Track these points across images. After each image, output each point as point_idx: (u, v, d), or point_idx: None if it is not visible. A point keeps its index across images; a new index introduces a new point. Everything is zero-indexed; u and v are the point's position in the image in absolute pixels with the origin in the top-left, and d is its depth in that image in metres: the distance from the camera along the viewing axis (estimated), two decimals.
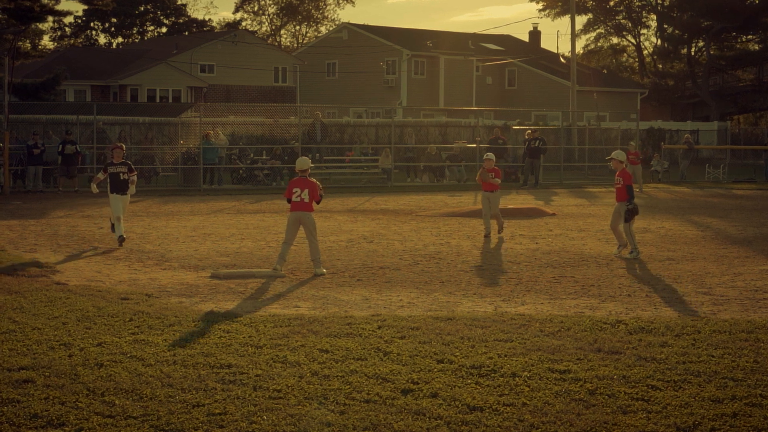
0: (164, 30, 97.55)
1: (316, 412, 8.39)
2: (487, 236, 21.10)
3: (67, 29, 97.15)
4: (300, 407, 8.51)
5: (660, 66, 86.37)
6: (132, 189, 20.16)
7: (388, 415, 8.32)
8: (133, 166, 20.41)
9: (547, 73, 70.45)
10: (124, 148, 20.60)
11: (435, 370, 9.67)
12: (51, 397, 8.64)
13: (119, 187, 19.81)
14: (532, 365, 9.83)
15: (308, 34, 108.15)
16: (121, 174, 19.82)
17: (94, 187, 20.71)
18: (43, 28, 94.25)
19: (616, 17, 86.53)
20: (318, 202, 16.53)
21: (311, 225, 16.31)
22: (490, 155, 21.91)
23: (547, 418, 8.27)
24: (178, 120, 42.84)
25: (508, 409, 8.51)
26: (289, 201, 16.35)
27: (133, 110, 45.79)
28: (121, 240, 19.43)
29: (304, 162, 16.64)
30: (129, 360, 9.95)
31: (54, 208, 28.19)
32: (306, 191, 16.21)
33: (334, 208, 28.24)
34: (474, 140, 45.08)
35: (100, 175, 20.20)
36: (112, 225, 19.86)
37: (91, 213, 26.96)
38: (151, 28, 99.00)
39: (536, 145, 40.44)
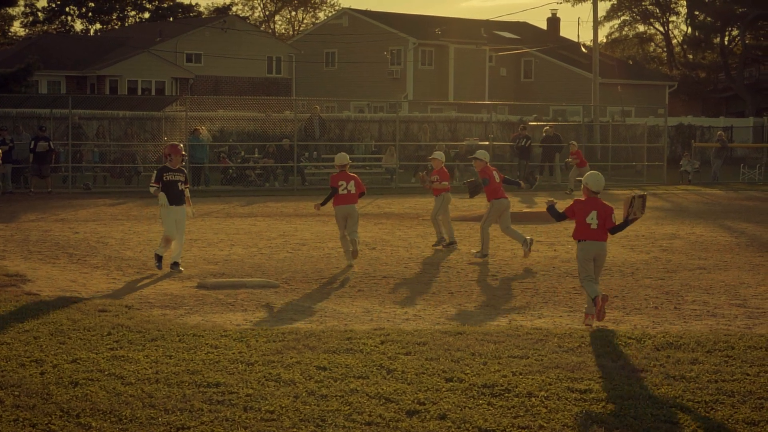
0: (147, 15, 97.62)
1: None
2: (451, 245, 20.92)
3: (39, 14, 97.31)
4: (295, 430, 8.51)
5: (690, 56, 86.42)
6: (188, 205, 17.82)
7: None
8: (187, 175, 18.10)
9: (566, 64, 70.49)
10: (183, 150, 18.00)
11: (443, 389, 9.67)
12: (21, 419, 8.64)
13: (176, 197, 17.45)
14: (550, 384, 9.83)
15: (305, 21, 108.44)
16: (179, 183, 17.49)
17: (162, 197, 17.48)
18: (14, 13, 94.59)
19: (643, 3, 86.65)
20: (363, 194, 18.80)
21: (356, 217, 18.63)
22: (439, 154, 21.56)
23: None
24: (161, 114, 42.87)
25: None
26: (333, 192, 18.46)
27: (112, 103, 45.79)
28: (159, 261, 17.41)
29: (343, 157, 18.91)
30: (107, 378, 9.95)
31: (25, 211, 28.21)
32: (351, 183, 18.49)
33: (333, 212, 28.19)
34: (487, 137, 45.09)
35: (156, 190, 17.52)
36: (158, 257, 17.48)
37: (66, 216, 26.98)
38: (132, 13, 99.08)
39: (524, 144, 40.31)
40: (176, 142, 18.75)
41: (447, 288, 15.98)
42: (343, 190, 18.42)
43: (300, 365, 10.47)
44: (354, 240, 18.35)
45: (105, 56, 67.67)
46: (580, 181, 13.52)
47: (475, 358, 10.85)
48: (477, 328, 12.54)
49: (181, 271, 17.22)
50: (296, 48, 73.52)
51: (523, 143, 40.36)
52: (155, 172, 17.77)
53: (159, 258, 17.50)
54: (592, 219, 13.06)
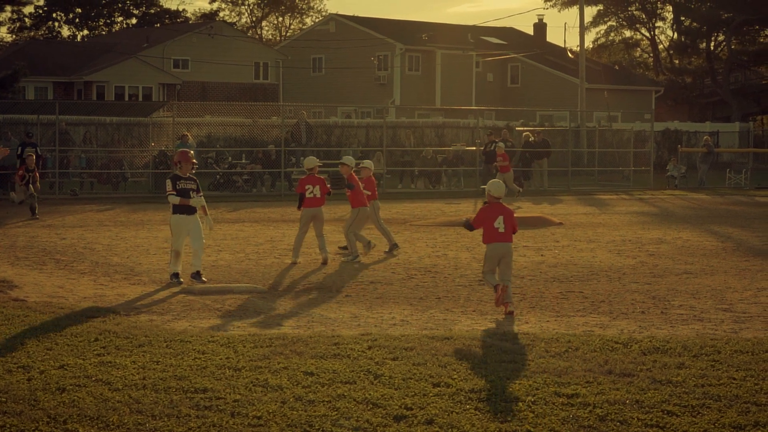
0: (134, 21, 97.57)
1: None
2: (393, 247, 20.97)
3: (27, 20, 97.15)
4: None
5: (676, 62, 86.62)
6: (205, 214, 17.05)
7: None
8: (199, 185, 17.23)
9: (553, 70, 70.59)
10: (194, 157, 17.22)
11: (430, 394, 9.67)
12: (8, 425, 8.61)
13: (187, 207, 16.68)
14: (537, 389, 9.83)
15: (292, 26, 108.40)
16: (190, 191, 16.70)
17: (173, 197, 16.67)
18: (0, 19, 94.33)
19: (629, 8, 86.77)
20: (329, 195, 19.79)
21: (322, 218, 19.65)
22: (367, 163, 21.57)
23: None
24: (148, 120, 42.82)
25: None
26: (302, 197, 19.45)
27: (99, 109, 45.76)
28: (176, 278, 16.70)
29: (311, 161, 19.98)
30: (94, 384, 9.93)
31: (12, 217, 28.14)
32: (317, 187, 19.43)
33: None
34: (474, 142, 45.15)
35: (176, 199, 16.63)
36: (175, 274, 16.84)
37: (53, 222, 26.93)
38: (120, 19, 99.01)
39: (493, 149, 40.26)
40: (186, 149, 17.87)
41: (434, 293, 15.98)
42: (309, 193, 19.44)
43: (287, 371, 10.46)
44: (323, 249, 19.38)
45: (92, 62, 67.61)
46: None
47: (462, 363, 10.86)
48: (464, 333, 12.55)
49: (204, 282, 16.54)
50: (283, 54, 73.50)
51: (492, 148, 40.26)
52: (168, 181, 16.93)
53: (176, 275, 16.73)
54: (500, 223, 14.16)
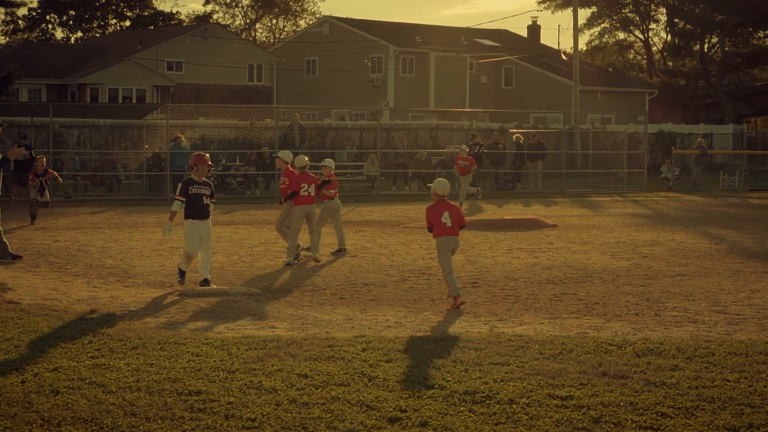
0: (128, 24, 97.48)
1: None
2: (340, 251, 21.06)
3: (20, 22, 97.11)
4: None
5: (670, 64, 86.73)
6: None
7: None
8: (213, 189, 16.85)
9: (547, 72, 70.64)
10: (209, 161, 16.77)
11: (424, 396, 9.66)
12: (2, 428, 8.59)
13: (200, 211, 16.31)
14: (531, 391, 9.83)
15: (286, 29, 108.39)
16: (204, 197, 16.31)
17: (167, 230, 16.53)
18: None
19: (623, 10, 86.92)
20: (321, 191, 20.45)
21: (315, 216, 20.08)
22: (328, 161, 21.78)
23: None
24: (142, 122, 42.82)
25: None
26: (294, 194, 19.70)
27: (93, 111, 45.72)
28: (182, 276, 16.69)
29: (301, 159, 20.23)
30: (88, 386, 9.91)
31: (5, 219, 28.03)
32: (312, 186, 19.92)
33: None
34: (468, 145, 45.13)
35: (178, 206, 16.43)
36: (181, 272, 16.73)
37: (46, 225, 26.89)
38: (114, 21, 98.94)
39: (477, 151, 40.34)
40: (202, 153, 17.25)
41: (428, 295, 15.98)
42: (304, 191, 19.81)
43: (281, 373, 10.46)
44: (315, 249, 20.00)
45: (86, 64, 67.55)
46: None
47: (457, 365, 10.85)
48: (458, 335, 12.55)
49: (212, 288, 16.29)
50: (277, 56, 73.49)
51: (476, 150, 40.39)
52: (180, 184, 16.63)
53: (182, 273, 16.64)
54: (446, 218, 15.09)
